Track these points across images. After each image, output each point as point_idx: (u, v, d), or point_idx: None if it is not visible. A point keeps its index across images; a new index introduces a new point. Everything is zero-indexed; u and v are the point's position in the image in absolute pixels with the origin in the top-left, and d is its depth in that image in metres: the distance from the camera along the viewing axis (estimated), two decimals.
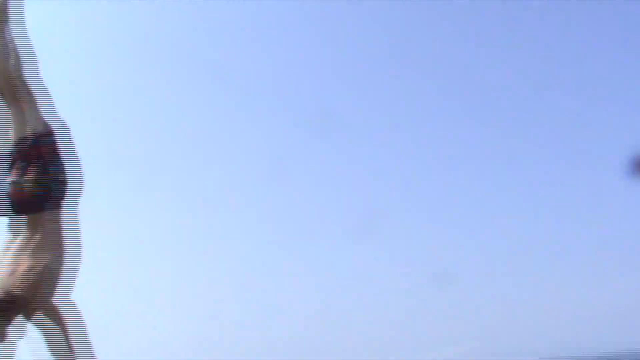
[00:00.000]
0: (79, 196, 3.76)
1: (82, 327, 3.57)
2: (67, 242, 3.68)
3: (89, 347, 3.55)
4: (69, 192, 3.74)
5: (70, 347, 3.47)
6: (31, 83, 3.83)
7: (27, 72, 3.84)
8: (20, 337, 3.58)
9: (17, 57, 3.84)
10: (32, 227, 3.62)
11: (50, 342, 3.49)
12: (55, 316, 3.56)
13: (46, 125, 3.79)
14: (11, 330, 3.49)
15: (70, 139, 3.82)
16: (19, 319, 3.52)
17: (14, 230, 3.69)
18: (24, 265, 3.47)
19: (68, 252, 3.65)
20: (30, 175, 3.62)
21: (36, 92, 3.82)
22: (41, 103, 3.82)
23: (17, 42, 3.87)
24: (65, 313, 3.59)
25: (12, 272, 3.48)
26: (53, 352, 3.53)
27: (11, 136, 3.77)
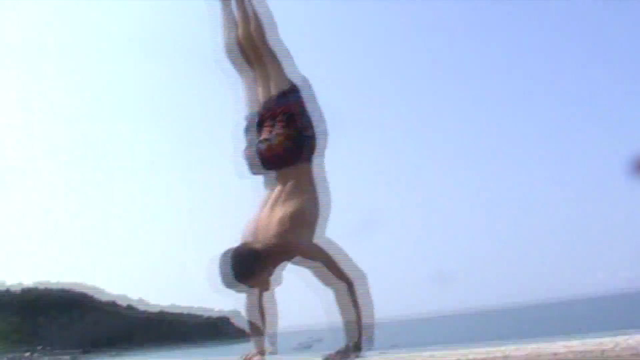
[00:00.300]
0: (325, 147, 3.86)
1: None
2: (318, 192, 3.77)
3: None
4: (314, 147, 3.84)
5: (339, 274, 3.48)
6: (273, 44, 3.98)
7: (268, 35, 3.99)
8: (278, 285, 3.73)
9: (258, 21, 4.01)
10: (284, 181, 3.76)
11: (319, 273, 3.54)
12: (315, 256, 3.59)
13: (291, 82, 3.91)
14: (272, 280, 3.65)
15: (312, 94, 3.92)
16: (277, 269, 3.64)
17: (268, 187, 3.85)
18: (276, 217, 3.60)
19: (319, 202, 3.72)
20: (279, 131, 3.75)
21: (278, 53, 3.96)
22: (284, 63, 3.95)
23: (257, 7, 4.04)
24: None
25: (267, 225, 3.62)
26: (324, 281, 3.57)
27: (259, 96, 3.94)
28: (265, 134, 3.84)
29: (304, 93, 3.91)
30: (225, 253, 3.53)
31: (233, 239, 3.64)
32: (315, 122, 3.87)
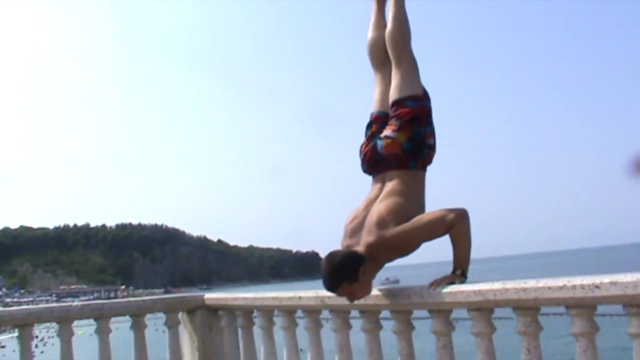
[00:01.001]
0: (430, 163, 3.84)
1: None
2: (424, 202, 3.76)
3: None
4: (432, 158, 3.84)
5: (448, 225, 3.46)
6: (410, 50, 4.02)
7: (408, 40, 4.04)
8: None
9: (403, 25, 4.05)
10: (389, 181, 3.75)
11: None
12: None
13: (424, 88, 3.92)
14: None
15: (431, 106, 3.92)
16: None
17: (377, 184, 3.84)
18: (374, 217, 3.58)
19: (414, 207, 3.66)
20: (404, 132, 3.73)
21: (414, 59, 3.99)
22: (417, 71, 3.98)
23: (401, 13, 4.07)
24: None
25: (367, 226, 3.61)
26: None
27: (391, 96, 3.91)
28: (387, 131, 3.82)
29: (430, 104, 3.92)
30: (330, 255, 3.56)
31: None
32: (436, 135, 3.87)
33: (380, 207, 3.63)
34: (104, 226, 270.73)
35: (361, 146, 3.95)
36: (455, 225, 3.45)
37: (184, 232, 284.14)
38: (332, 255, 3.56)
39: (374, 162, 3.86)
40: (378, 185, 3.83)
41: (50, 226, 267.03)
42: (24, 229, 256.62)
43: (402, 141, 3.73)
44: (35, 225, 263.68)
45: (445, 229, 3.48)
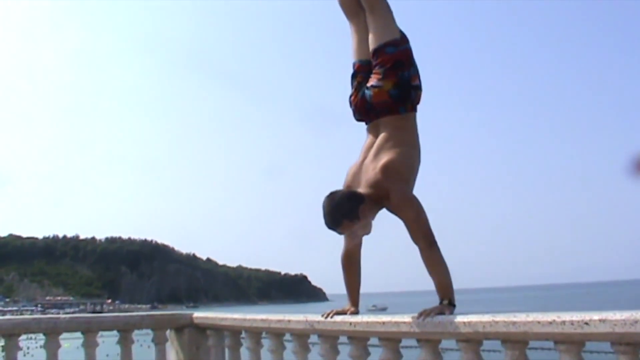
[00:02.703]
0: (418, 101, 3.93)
1: None
2: (419, 144, 3.87)
3: None
4: (420, 98, 3.93)
5: (423, 232, 3.52)
6: None
7: None
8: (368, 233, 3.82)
9: None
10: (384, 128, 3.84)
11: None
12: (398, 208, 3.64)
13: (401, 32, 3.97)
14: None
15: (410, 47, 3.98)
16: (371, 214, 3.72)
17: (371, 133, 3.93)
18: (373, 166, 3.69)
19: (419, 154, 3.83)
20: (389, 79, 3.82)
21: (387, 4, 4.04)
22: (392, 15, 4.02)
23: None
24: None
25: (366, 173, 3.73)
26: None
27: (371, 44, 3.98)
28: (372, 81, 3.89)
29: (410, 45, 3.97)
30: (331, 194, 3.66)
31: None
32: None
33: (377, 153, 3.76)
34: (93, 239, 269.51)
35: (350, 97, 4.04)
36: (435, 246, 3.51)
37: (173, 249, 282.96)
38: (332, 194, 3.67)
39: (365, 112, 3.95)
40: (372, 134, 3.94)
41: (39, 236, 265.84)
42: (12, 238, 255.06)
43: (388, 89, 3.82)
44: (24, 234, 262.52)
45: (426, 236, 3.52)
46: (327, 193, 3.69)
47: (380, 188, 3.64)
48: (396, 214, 3.64)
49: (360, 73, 4.03)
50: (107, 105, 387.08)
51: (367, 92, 3.90)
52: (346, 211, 3.59)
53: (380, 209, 3.73)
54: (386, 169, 3.65)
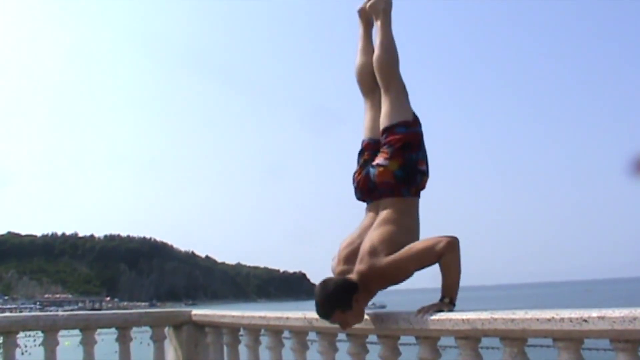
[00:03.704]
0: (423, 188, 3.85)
1: None
2: (418, 230, 3.76)
3: None
4: (425, 183, 3.85)
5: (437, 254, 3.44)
6: (399, 76, 4.03)
7: (396, 65, 4.05)
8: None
9: (391, 51, 4.07)
10: (383, 208, 3.76)
11: None
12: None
13: (414, 114, 3.92)
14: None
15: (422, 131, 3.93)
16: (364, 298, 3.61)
17: (371, 211, 3.86)
18: (367, 245, 3.60)
19: (407, 238, 3.64)
20: (395, 159, 3.75)
21: (402, 85, 4.00)
22: (406, 96, 3.99)
23: (389, 38, 4.10)
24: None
25: (360, 254, 3.62)
26: None
27: (382, 122, 3.92)
28: (379, 159, 3.83)
29: (421, 129, 3.93)
30: (324, 283, 3.58)
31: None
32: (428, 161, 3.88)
33: (373, 236, 3.64)
34: (92, 236, 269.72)
35: (354, 174, 3.98)
36: (446, 253, 3.45)
37: (172, 247, 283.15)
38: (325, 283, 3.57)
39: (367, 190, 3.87)
40: (372, 213, 3.85)
41: (38, 234, 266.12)
42: (11, 236, 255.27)
43: (394, 169, 3.75)
44: (22, 232, 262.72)
45: (436, 258, 3.47)
46: (319, 281, 3.62)
47: (372, 276, 3.56)
48: (407, 277, 3.63)
49: (368, 151, 3.96)
50: (107, 103, 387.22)
51: (372, 170, 3.82)
52: (339, 302, 3.50)
53: (373, 295, 3.67)
54: (372, 253, 3.57)
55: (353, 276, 3.59)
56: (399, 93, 3.99)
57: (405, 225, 3.71)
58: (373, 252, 3.56)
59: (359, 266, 3.60)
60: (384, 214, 3.74)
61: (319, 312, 3.58)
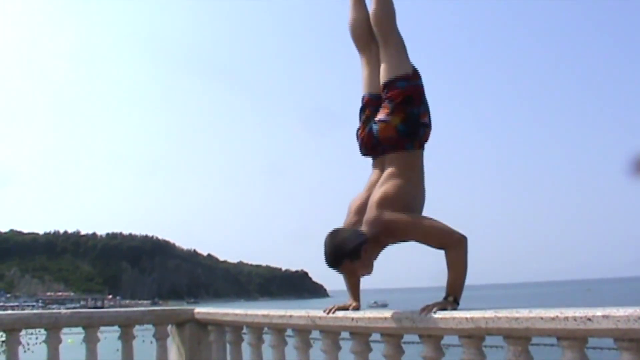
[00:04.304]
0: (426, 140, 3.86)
1: None
2: (423, 183, 3.80)
3: None
4: (429, 136, 3.86)
5: (441, 243, 3.48)
6: (397, 30, 3.99)
7: (395, 20, 4.01)
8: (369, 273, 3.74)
9: (388, 5, 4.02)
10: (389, 164, 3.77)
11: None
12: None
13: (414, 68, 3.91)
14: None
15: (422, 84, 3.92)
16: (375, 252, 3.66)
17: (377, 167, 3.88)
18: (373, 200, 3.61)
19: (422, 192, 3.76)
20: (397, 114, 3.74)
21: (400, 39, 3.98)
22: (405, 50, 3.96)
23: None
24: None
25: (368, 209, 3.64)
26: None
27: (382, 77, 3.91)
28: (381, 115, 3.82)
29: (421, 82, 3.93)
30: (333, 233, 3.60)
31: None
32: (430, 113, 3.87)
33: (381, 190, 3.66)
34: (94, 234, 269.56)
35: (357, 131, 3.99)
36: (454, 247, 3.47)
37: (174, 245, 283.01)
38: (334, 233, 3.61)
39: (372, 146, 3.89)
40: (378, 169, 3.88)
41: (40, 232, 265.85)
42: (13, 233, 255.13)
43: (396, 124, 3.76)
44: (25, 230, 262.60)
45: (440, 243, 3.49)
46: (329, 231, 3.63)
47: (380, 225, 3.57)
48: (410, 240, 3.63)
49: (369, 107, 3.96)
50: (109, 102, 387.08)
51: (375, 126, 3.83)
52: (348, 251, 3.52)
53: (383, 248, 3.68)
54: (381, 204, 3.58)
55: (362, 227, 3.62)
56: (398, 47, 3.97)
57: (412, 178, 3.75)
58: (381, 205, 3.59)
59: (368, 216, 3.63)
60: (389, 169, 3.77)
61: (327, 262, 3.60)
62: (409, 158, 3.78)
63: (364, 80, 4.10)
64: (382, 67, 3.95)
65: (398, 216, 3.55)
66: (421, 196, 3.78)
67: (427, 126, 3.85)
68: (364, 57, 4.15)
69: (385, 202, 3.58)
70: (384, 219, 3.55)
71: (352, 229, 3.65)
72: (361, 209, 3.74)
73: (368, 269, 3.68)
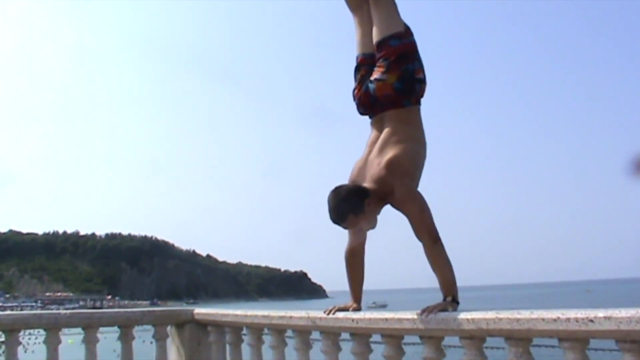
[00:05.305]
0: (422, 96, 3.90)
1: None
2: (424, 138, 3.85)
3: None
4: (424, 91, 3.90)
5: (427, 229, 3.48)
6: None
7: None
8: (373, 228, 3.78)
9: None
10: (388, 122, 3.81)
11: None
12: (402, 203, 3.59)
13: (406, 25, 3.94)
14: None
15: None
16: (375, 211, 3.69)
17: (375, 127, 3.91)
18: (377, 161, 3.66)
19: (424, 149, 3.81)
20: (393, 72, 3.79)
21: None
22: (396, 8, 3.98)
23: None
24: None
25: (370, 168, 3.70)
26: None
27: (374, 37, 3.94)
28: (376, 74, 3.86)
29: (414, 38, 3.93)
30: (337, 189, 3.64)
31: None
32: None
33: (382, 147, 3.72)
34: (93, 235, 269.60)
35: (353, 91, 4.03)
36: (433, 245, 3.48)
37: (173, 245, 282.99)
38: (338, 189, 3.65)
39: (369, 105, 3.93)
40: (377, 128, 3.91)
41: (40, 232, 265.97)
42: (12, 233, 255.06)
43: (392, 82, 3.79)
44: (24, 230, 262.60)
45: (423, 236, 3.49)
46: (332, 187, 3.67)
47: (384, 184, 3.60)
48: (400, 210, 3.61)
49: (364, 66, 4.00)
50: (109, 102, 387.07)
51: (371, 85, 3.86)
52: (352, 206, 3.57)
53: (385, 204, 3.70)
54: (390, 164, 3.62)
55: (366, 184, 3.67)
56: (389, 5, 3.99)
57: (411, 134, 3.79)
58: (390, 166, 3.62)
59: (374, 173, 3.68)
60: (388, 127, 3.81)
61: (332, 217, 3.63)
62: (408, 114, 3.83)
63: (357, 40, 4.13)
64: (375, 26, 3.98)
65: (403, 182, 3.58)
66: (423, 153, 3.82)
67: (423, 82, 3.89)
68: (357, 17, 4.17)
69: (392, 165, 3.62)
70: (389, 179, 3.59)
71: (355, 185, 3.70)
72: (363, 168, 3.79)
73: (372, 223, 3.72)
